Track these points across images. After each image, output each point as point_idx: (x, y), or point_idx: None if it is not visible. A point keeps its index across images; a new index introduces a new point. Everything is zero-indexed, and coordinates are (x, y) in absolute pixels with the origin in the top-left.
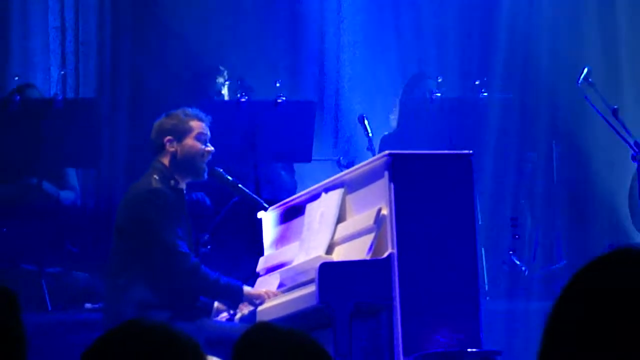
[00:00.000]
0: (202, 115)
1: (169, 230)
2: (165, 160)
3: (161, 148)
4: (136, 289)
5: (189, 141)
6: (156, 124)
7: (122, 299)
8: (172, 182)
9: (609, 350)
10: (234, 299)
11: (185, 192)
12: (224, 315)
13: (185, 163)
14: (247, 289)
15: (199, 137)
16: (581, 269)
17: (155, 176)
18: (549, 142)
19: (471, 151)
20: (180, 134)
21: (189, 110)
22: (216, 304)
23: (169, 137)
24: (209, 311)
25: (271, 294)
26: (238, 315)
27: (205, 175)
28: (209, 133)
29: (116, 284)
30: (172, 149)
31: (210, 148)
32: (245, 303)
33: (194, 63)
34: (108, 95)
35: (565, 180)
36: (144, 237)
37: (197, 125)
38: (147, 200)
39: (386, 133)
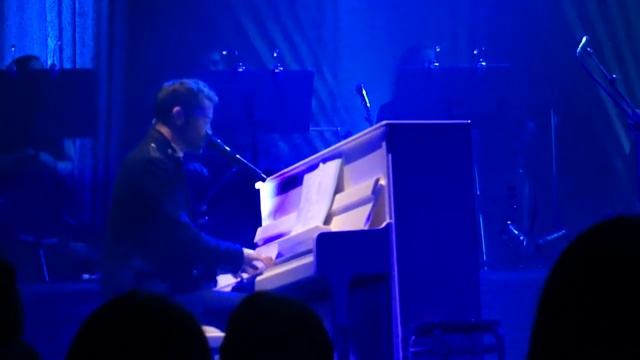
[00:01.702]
0: (213, 94)
1: (169, 199)
2: (165, 130)
3: (166, 115)
4: (134, 258)
5: (198, 120)
6: (169, 87)
7: (120, 268)
8: (170, 150)
9: (604, 322)
10: (236, 263)
11: (181, 157)
12: (230, 282)
13: (187, 137)
14: (247, 251)
15: (207, 119)
16: (576, 238)
17: (152, 145)
18: (547, 112)
19: (469, 121)
20: (192, 109)
21: (204, 87)
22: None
23: (178, 108)
24: (212, 279)
25: (270, 260)
26: (245, 277)
27: (201, 151)
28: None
29: (114, 253)
30: (178, 122)
31: (209, 131)
32: (249, 266)
33: (191, 34)
34: (105, 65)
35: (564, 150)
36: (144, 207)
37: (207, 105)
38: (146, 170)
39: (384, 103)
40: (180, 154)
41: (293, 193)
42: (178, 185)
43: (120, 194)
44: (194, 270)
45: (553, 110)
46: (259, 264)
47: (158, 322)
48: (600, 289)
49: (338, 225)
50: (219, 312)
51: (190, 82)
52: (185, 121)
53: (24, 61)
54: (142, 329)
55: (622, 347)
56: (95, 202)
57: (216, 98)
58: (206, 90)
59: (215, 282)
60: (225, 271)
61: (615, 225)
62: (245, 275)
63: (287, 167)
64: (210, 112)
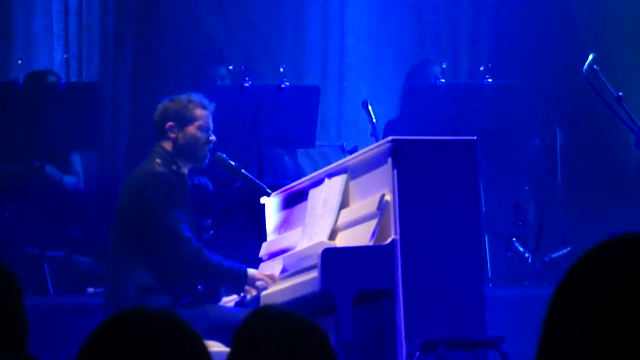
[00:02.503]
0: (206, 102)
1: (172, 213)
2: (167, 146)
3: (163, 132)
4: (138, 272)
5: (191, 129)
6: (160, 106)
7: (124, 282)
8: (175, 166)
9: (609, 338)
10: (238, 282)
11: (187, 177)
12: (233, 298)
13: (187, 150)
14: (251, 271)
15: (202, 127)
16: (582, 255)
17: (157, 160)
18: (553, 129)
19: (475, 137)
20: (183, 121)
21: (194, 97)
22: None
23: (170, 123)
24: (215, 296)
25: (275, 277)
26: (249, 297)
27: (206, 162)
28: (211, 122)
29: (117, 267)
30: (173, 135)
31: (213, 138)
32: (252, 286)
33: (198, 48)
34: (111, 79)
35: (569, 167)
36: (147, 221)
37: (201, 114)
38: (150, 183)
39: (390, 119)
40: (185, 171)
41: (298, 208)
42: (182, 201)
43: (124, 206)
44: (199, 286)
45: (559, 127)
46: (262, 284)
47: (162, 337)
48: (606, 306)
49: (343, 240)
50: (222, 327)
51: (181, 96)
52: (181, 133)
53: (40, 76)
54: (146, 343)
55: None
56: (100, 215)
57: (212, 105)
58: (197, 99)
59: (219, 298)
60: (227, 290)
61: (620, 243)
62: (249, 296)
63: (292, 182)
64: (206, 119)
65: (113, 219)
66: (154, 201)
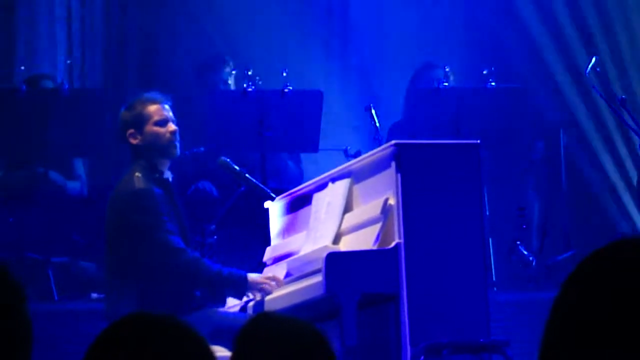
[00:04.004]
0: (157, 96)
1: (161, 229)
2: (137, 152)
3: (127, 141)
4: (134, 288)
5: (149, 128)
6: (119, 117)
7: (120, 301)
8: (157, 174)
9: (608, 344)
10: (239, 288)
11: (170, 178)
12: (238, 303)
13: (153, 148)
14: (252, 276)
15: (158, 122)
16: (584, 259)
17: (137, 174)
18: (556, 132)
19: (478, 141)
20: (139, 123)
21: (145, 96)
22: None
23: (130, 130)
24: (220, 301)
25: (278, 280)
26: (251, 303)
27: (178, 152)
28: (169, 113)
29: (113, 285)
30: (136, 141)
31: (172, 127)
32: (255, 290)
33: (201, 53)
34: (114, 85)
35: (573, 170)
36: (136, 242)
37: (154, 110)
38: (132, 203)
39: (395, 122)
40: (168, 174)
41: (302, 212)
42: (169, 211)
43: (110, 229)
44: (197, 292)
45: (563, 131)
46: (265, 287)
47: (167, 342)
48: (607, 309)
49: (347, 244)
50: (226, 332)
51: (131, 101)
52: (141, 136)
53: (36, 79)
54: (150, 348)
55: None
56: (103, 221)
57: (165, 96)
58: (147, 96)
59: (224, 303)
60: (229, 296)
61: (623, 246)
62: (252, 302)
63: (296, 186)
64: (160, 112)
65: (104, 234)
66: (138, 223)
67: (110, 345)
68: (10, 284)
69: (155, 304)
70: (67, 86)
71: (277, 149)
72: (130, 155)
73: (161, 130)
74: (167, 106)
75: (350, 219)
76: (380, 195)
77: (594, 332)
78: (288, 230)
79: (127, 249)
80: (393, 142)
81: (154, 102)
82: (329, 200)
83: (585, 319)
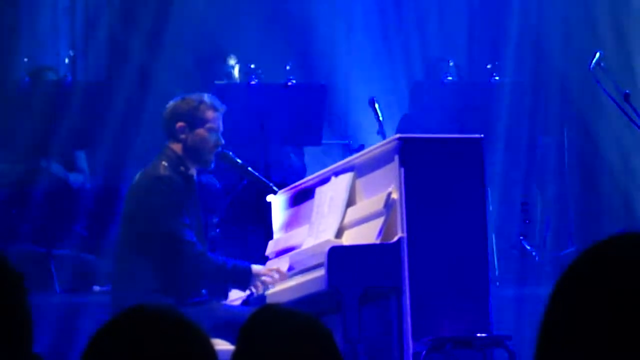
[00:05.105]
0: (218, 104)
1: (177, 218)
2: (175, 147)
3: (172, 133)
4: (143, 275)
5: (201, 132)
6: (171, 105)
7: (129, 285)
8: (182, 168)
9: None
10: (244, 280)
11: (195, 177)
12: (240, 296)
13: (194, 152)
14: (256, 268)
15: (212, 129)
16: (577, 257)
17: (164, 162)
18: (560, 127)
19: (482, 135)
20: (194, 122)
21: (206, 98)
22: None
23: (181, 124)
24: (223, 294)
25: (282, 272)
26: (256, 294)
27: (212, 166)
28: (222, 124)
29: (123, 269)
30: (183, 137)
31: (221, 142)
32: (259, 283)
33: (205, 46)
34: (117, 77)
35: (577, 165)
36: (151, 226)
37: (212, 116)
38: (154, 187)
39: (406, 113)
40: (193, 172)
41: (305, 206)
42: (187, 204)
43: (128, 210)
44: (203, 290)
45: (566, 126)
46: (269, 279)
47: (168, 335)
48: (602, 307)
49: (350, 239)
50: (228, 326)
51: (192, 96)
52: (191, 135)
53: (40, 72)
54: (152, 341)
55: None
56: (106, 214)
57: (223, 107)
58: (209, 100)
59: (227, 296)
60: (233, 288)
61: (618, 242)
62: (256, 294)
63: (299, 180)
64: (217, 122)
65: (120, 222)
66: (158, 207)
67: (112, 338)
68: (9, 276)
69: (163, 292)
70: (70, 78)
71: (280, 142)
72: (163, 147)
73: (211, 139)
74: (221, 117)
75: (353, 213)
76: (383, 189)
77: (588, 330)
78: (291, 223)
79: (141, 232)
80: (396, 135)
81: (215, 108)
82: (331, 194)
83: (580, 316)
